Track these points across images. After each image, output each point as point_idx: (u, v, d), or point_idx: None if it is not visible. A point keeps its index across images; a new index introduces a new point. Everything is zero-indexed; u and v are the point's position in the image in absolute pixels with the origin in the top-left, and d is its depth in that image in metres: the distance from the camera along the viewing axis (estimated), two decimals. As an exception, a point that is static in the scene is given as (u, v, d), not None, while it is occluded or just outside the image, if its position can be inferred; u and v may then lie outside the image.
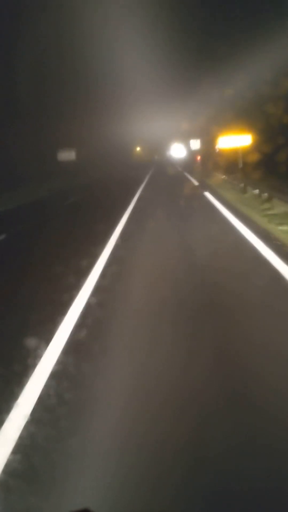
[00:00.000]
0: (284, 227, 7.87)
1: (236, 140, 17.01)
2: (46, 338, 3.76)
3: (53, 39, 43.78)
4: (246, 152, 17.25)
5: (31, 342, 3.69)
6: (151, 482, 2.00)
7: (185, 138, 59.33)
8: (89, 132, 48.23)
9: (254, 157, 17.81)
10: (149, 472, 2.07)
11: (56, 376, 3.12)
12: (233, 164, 18.78)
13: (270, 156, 17.80)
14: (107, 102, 60.60)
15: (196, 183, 19.88)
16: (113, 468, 2.11)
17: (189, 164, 35.91)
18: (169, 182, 23.46)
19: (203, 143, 51.39)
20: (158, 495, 1.93)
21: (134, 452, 2.21)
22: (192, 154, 49.57)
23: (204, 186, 17.52)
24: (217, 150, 37.81)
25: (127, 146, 69.15)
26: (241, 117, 20.78)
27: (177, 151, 64.02)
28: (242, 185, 14.62)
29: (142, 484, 1.99)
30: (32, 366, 3.26)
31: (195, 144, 55.02)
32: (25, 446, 2.33)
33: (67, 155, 36.85)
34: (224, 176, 18.28)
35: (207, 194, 14.46)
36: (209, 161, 28.51)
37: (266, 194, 11.58)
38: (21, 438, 2.39)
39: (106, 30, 45.56)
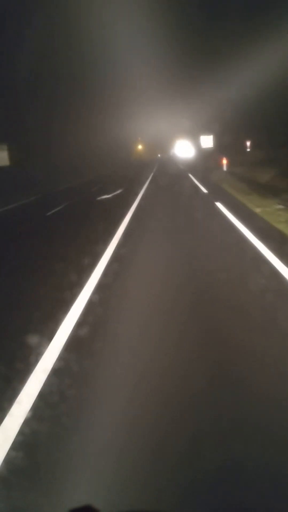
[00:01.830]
0: None
1: None
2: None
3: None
4: None
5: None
6: (153, 479, 2.02)
7: (193, 133, 50.35)
8: (62, 125, 38.07)
9: None
10: (151, 468, 2.07)
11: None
12: None
13: None
14: (97, 88, 51.17)
15: None
16: (115, 464, 2.11)
17: (205, 171, 20.41)
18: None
19: (216, 139, 42.23)
20: (160, 492, 1.95)
21: (137, 448, 2.20)
22: (206, 154, 38.11)
23: None
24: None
25: (118, 143, 58.89)
26: None
27: (183, 150, 54.86)
28: None
29: (145, 481, 2.01)
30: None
31: (207, 141, 45.86)
32: (25, 443, 2.30)
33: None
34: None
35: None
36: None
37: None
38: (21, 434, 2.36)
39: (107, 27, 46.48)
